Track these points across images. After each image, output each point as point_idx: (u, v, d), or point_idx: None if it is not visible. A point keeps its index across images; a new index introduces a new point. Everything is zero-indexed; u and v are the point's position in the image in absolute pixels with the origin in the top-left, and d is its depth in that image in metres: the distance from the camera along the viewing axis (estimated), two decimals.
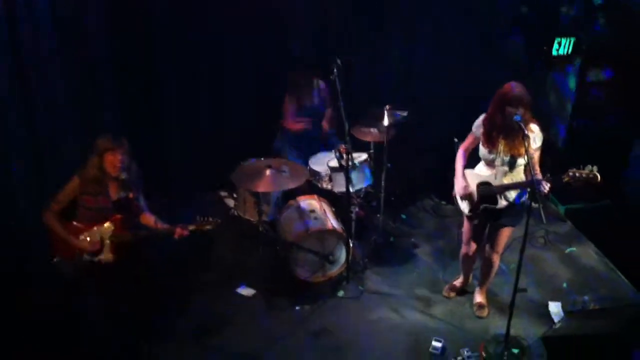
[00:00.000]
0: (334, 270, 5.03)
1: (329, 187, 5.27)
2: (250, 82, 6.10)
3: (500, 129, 4.06)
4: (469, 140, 4.38)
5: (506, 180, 4.18)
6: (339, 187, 5.13)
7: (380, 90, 6.24)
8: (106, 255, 4.10)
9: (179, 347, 4.39)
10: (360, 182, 5.18)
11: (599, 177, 3.77)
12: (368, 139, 5.44)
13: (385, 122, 5.14)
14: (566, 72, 6.28)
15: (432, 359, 4.29)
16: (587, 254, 5.45)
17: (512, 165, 4.12)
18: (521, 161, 4.08)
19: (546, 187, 3.85)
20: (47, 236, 4.09)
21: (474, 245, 4.62)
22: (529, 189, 4.07)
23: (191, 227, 4.18)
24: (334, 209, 5.28)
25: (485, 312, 4.74)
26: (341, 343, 4.45)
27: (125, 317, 4.21)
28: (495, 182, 4.22)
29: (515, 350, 4.26)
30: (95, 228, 4.07)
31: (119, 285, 4.11)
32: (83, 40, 4.96)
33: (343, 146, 4.81)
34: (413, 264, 5.35)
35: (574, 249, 5.50)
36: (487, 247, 4.54)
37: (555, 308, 4.71)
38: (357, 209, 5.46)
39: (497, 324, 4.51)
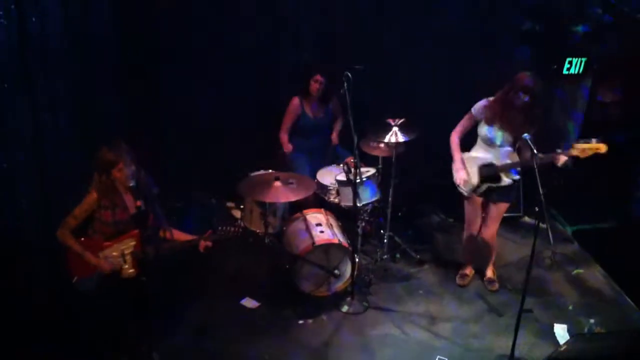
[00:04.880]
0: (339, 285, 5.01)
1: (336, 200, 5.25)
2: (254, 90, 6.17)
3: (511, 110, 4.38)
4: (465, 124, 4.70)
5: (510, 160, 4.51)
6: (346, 201, 5.12)
7: (388, 105, 6.22)
8: (128, 271, 4.05)
9: (179, 352, 4.40)
10: (367, 196, 5.15)
11: (603, 148, 4.26)
12: (376, 153, 5.44)
13: (393, 137, 5.13)
14: (576, 91, 6.25)
15: None
16: (594, 276, 5.40)
17: (514, 145, 4.42)
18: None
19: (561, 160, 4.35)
20: (64, 256, 3.96)
21: (476, 225, 4.95)
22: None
23: (214, 237, 4.14)
24: (340, 223, 5.27)
25: (496, 286, 5.15)
26: (343, 359, 4.42)
27: (132, 324, 4.18)
28: (499, 162, 4.57)
29: None
30: (115, 245, 4.00)
31: (130, 293, 4.07)
32: (89, 43, 4.98)
33: (351, 159, 4.81)
34: (418, 281, 5.32)
35: (581, 270, 5.46)
36: (485, 225, 4.92)
37: (560, 330, 4.67)
38: (363, 224, 5.45)
39: (502, 345, 4.46)
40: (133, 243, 4.00)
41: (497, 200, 4.77)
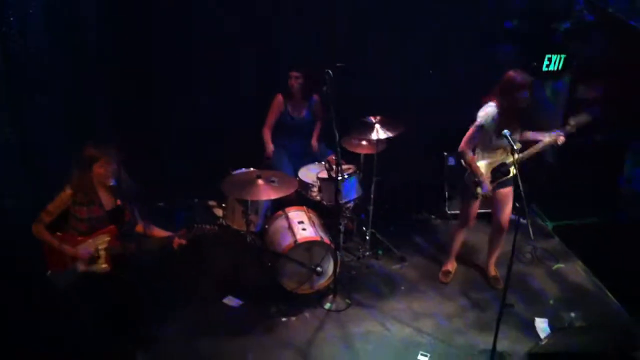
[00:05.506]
0: (321, 282, 5.00)
1: (318, 198, 5.25)
2: (248, 88, 6.17)
3: (518, 110, 4.49)
4: (477, 138, 4.64)
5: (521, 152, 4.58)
6: (328, 198, 5.11)
7: (371, 102, 6.23)
8: (101, 266, 4.02)
9: (165, 354, 4.36)
10: (349, 194, 5.15)
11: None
12: (358, 150, 5.44)
13: (375, 135, 5.14)
14: (555, 88, 6.30)
15: None
16: (575, 270, 5.45)
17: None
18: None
19: (561, 138, 4.61)
20: (41, 249, 3.95)
21: (474, 220, 5.04)
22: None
23: (189, 236, 4.12)
24: (322, 221, 5.27)
25: (502, 284, 4.96)
26: (326, 356, 4.42)
27: (116, 324, 4.13)
28: (509, 160, 4.69)
29: None
30: (90, 240, 3.97)
31: (111, 292, 4.04)
32: (77, 40, 4.92)
33: (332, 157, 4.81)
34: (400, 278, 5.33)
35: (562, 265, 5.51)
36: (500, 213, 4.92)
37: (541, 324, 4.71)
38: (345, 221, 5.45)
39: (484, 340, 4.48)
40: (107, 239, 3.99)
41: (503, 187, 4.82)
